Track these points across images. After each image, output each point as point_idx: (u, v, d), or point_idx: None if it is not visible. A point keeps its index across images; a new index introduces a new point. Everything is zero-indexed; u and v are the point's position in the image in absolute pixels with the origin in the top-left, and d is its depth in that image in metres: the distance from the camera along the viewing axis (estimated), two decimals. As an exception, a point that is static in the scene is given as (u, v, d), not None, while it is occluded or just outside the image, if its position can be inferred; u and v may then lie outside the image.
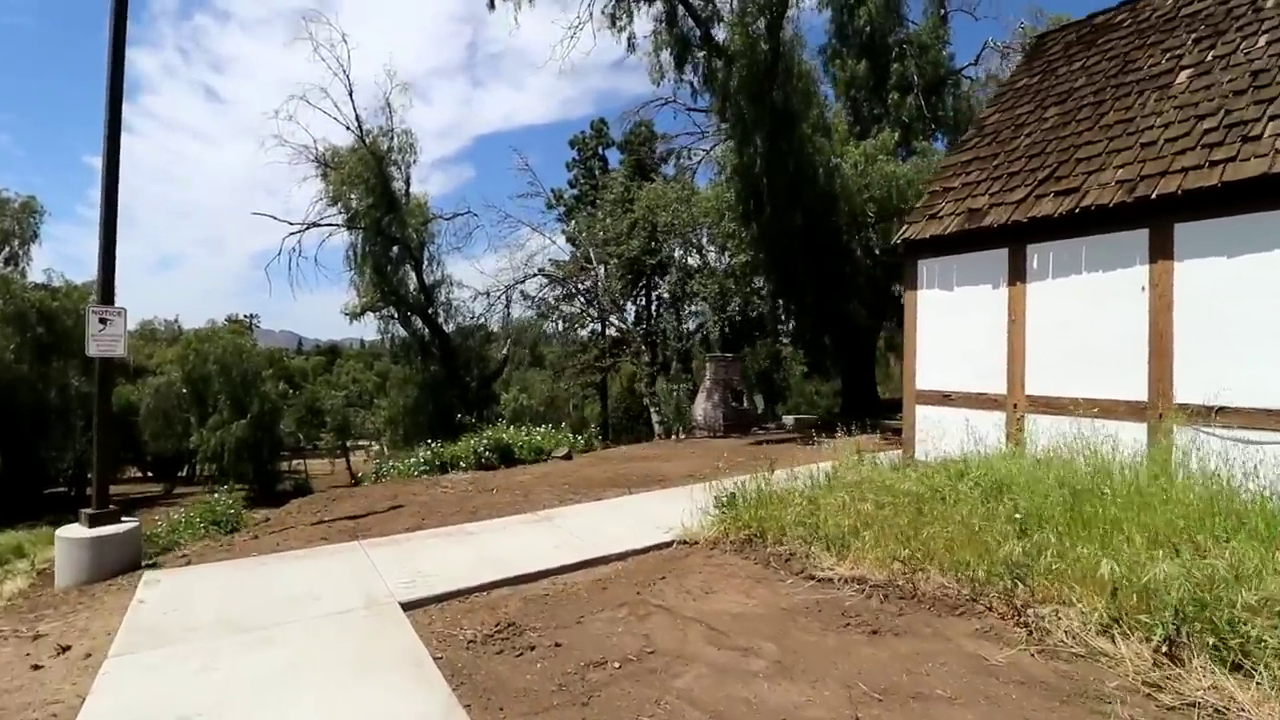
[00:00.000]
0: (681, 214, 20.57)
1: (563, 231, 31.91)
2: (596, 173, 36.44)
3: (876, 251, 17.85)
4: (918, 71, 20.41)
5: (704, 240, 20.88)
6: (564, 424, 17.74)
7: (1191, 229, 5.63)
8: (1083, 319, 6.30)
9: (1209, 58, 6.67)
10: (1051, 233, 6.50)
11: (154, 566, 5.62)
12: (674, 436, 21.14)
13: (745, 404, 18.56)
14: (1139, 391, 5.91)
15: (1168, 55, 7.18)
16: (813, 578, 4.72)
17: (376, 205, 23.52)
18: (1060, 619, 3.61)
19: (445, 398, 24.02)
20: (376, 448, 33.74)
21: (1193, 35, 7.15)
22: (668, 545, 5.80)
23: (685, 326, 21.19)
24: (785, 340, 24.88)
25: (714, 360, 18.47)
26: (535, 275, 24.44)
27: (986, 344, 7.05)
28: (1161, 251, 5.79)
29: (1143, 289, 5.92)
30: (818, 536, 5.21)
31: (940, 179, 8.28)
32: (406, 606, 4.31)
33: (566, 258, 26.55)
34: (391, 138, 24.96)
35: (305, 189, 34.65)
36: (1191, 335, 5.61)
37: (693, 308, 21.45)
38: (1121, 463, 5.32)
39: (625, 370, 26.51)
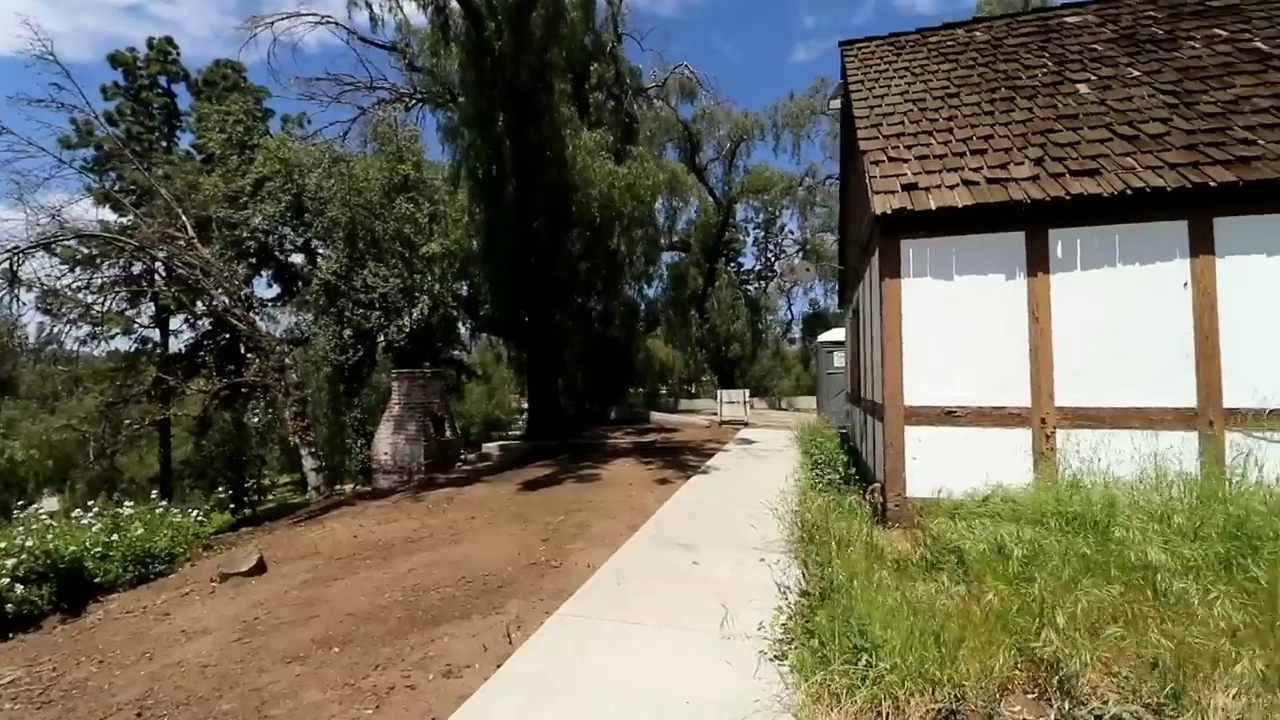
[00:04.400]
0: (360, 183, 14.93)
1: (90, 188, 20.59)
2: (154, 109, 25.30)
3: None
4: (615, 79, 19.69)
5: (388, 227, 15.59)
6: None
7: (1230, 224, 5.22)
8: (1121, 318, 5.43)
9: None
10: (1081, 217, 5.50)
11: None
12: (345, 487, 15.07)
13: (449, 433, 14.28)
14: (1187, 397, 5.25)
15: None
16: None
17: None
18: None
19: None
20: None
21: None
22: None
23: (346, 332, 15.33)
24: (469, 351, 21.02)
25: (407, 378, 13.67)
26: (57, 243, 14.29)
27: (1001, 347, 5.67)
28: (1202, 246, 5.27)
29: (1185, 286, 5.31)
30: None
31: (874, 150, 6.74)
32: None
33: (109, 223, 16.68)
34: None
35: None
36: (1236, 336, 5.17)
37: (355, 309, 15.70)
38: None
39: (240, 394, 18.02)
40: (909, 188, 6.00)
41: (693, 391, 31.89)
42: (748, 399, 21.11)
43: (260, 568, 5.87)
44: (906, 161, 6.42)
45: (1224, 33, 7.45)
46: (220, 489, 15.04)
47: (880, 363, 6.05)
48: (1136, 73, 7.05)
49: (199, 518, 9.24)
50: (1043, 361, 5.54)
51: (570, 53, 14.21)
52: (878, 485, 6.11)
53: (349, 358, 15.22)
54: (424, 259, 16.44)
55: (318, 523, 8.37)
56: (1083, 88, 7.01)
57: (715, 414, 24.10)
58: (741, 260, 35.97)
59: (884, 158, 6.53)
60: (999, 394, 5.63)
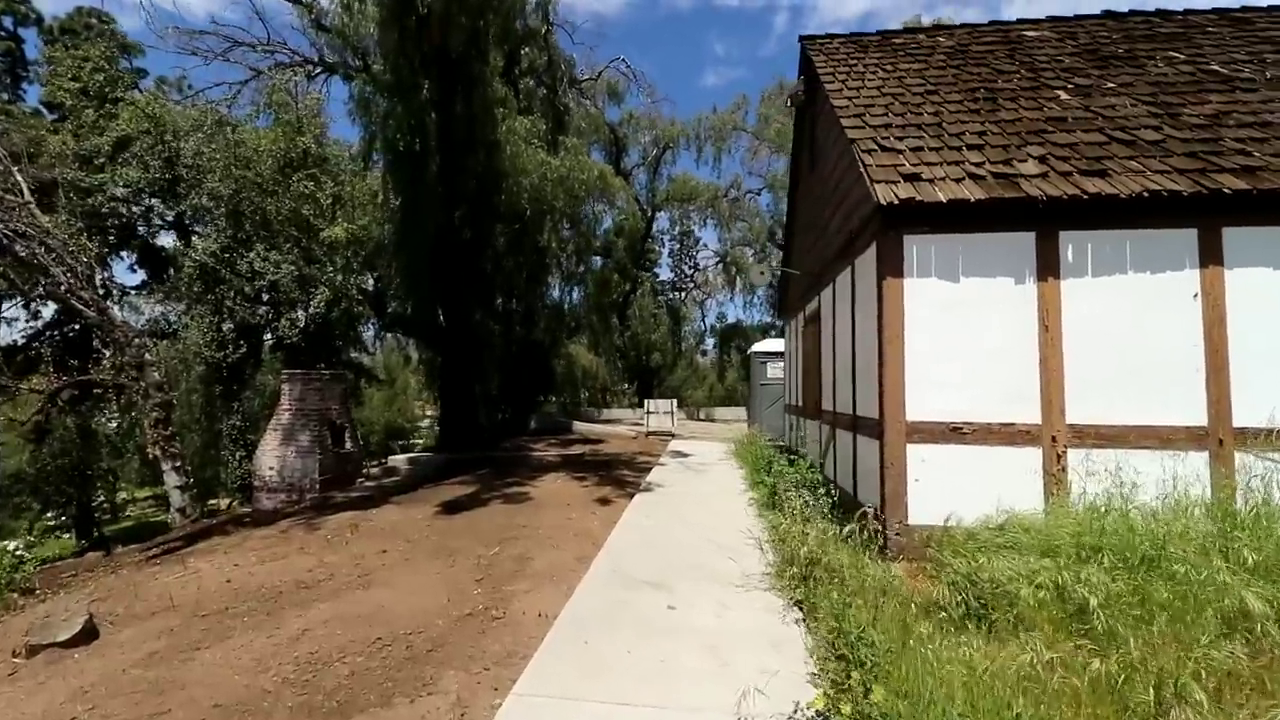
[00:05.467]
0: (249, 152, 12.84)
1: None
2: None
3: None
4: (547, 66, 18.56)
5: (282, 206, 13.57)
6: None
7: (1239, 235, 4.98)
8: (1131, 329, 5.05)
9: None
10: (1093, 219, 5.09)
11: None
12: (220, 502, 12.87)
13: (349, 444, 12.55)
14: (1197, 415, 4.93)
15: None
16: None
17: None
18: None
19: None
20: None
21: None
22: None
23: (225, 325, 13.09)
24: (370, 352, 18.92)
25: (300, 380, 11.84)
26: None
27: (1010, 357, 5.15)
28: (1212, 256, 5.00)
29: (1195, 297, 5.01)
30: None
31: (864, 139, 6.14)
32: None
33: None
34: None
35: None
36: (1247, 350, 4.91)
37: (238, 299, 13.51)
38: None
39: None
40: (911, 178, 5.41)
41: (607, 401, 30.95)
42: (674, 409, 20.44)
43: (88, 633, 4.28)
44: (901, 152, 5.85)
45: (1180, 55, 7.53)
46: (52, 511, 12.36)
47: (876, 372, 5.38)
48: (1111, 84, 6.92)
49: (17, 550, 7.24)
50: (1053, 373, 5.07)
51: (505, 23, 12.93)
52: (869, 510, 5.42)
53: (228, 354, 13.03)
54: (325, 245, 14.50)
55: (179, 560, 6.63)
56: (1062, 94, 6.79)
57: (638, 424, 23.29)
58: (657, 271, 35.59)
59: (876, 146, 5.94)
60: (1007, 408, 5.10)
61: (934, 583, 4.54)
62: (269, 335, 14.85)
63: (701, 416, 29.77)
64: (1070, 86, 6.91)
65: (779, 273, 9.63)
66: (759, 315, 36.85)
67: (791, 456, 10.20)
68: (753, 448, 12.63)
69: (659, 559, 5.93)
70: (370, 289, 17.43)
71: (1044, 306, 5.12)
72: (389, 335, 19.29)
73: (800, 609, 4.53)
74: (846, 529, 5.06)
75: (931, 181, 5.34)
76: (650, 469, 12.07)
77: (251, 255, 13.21)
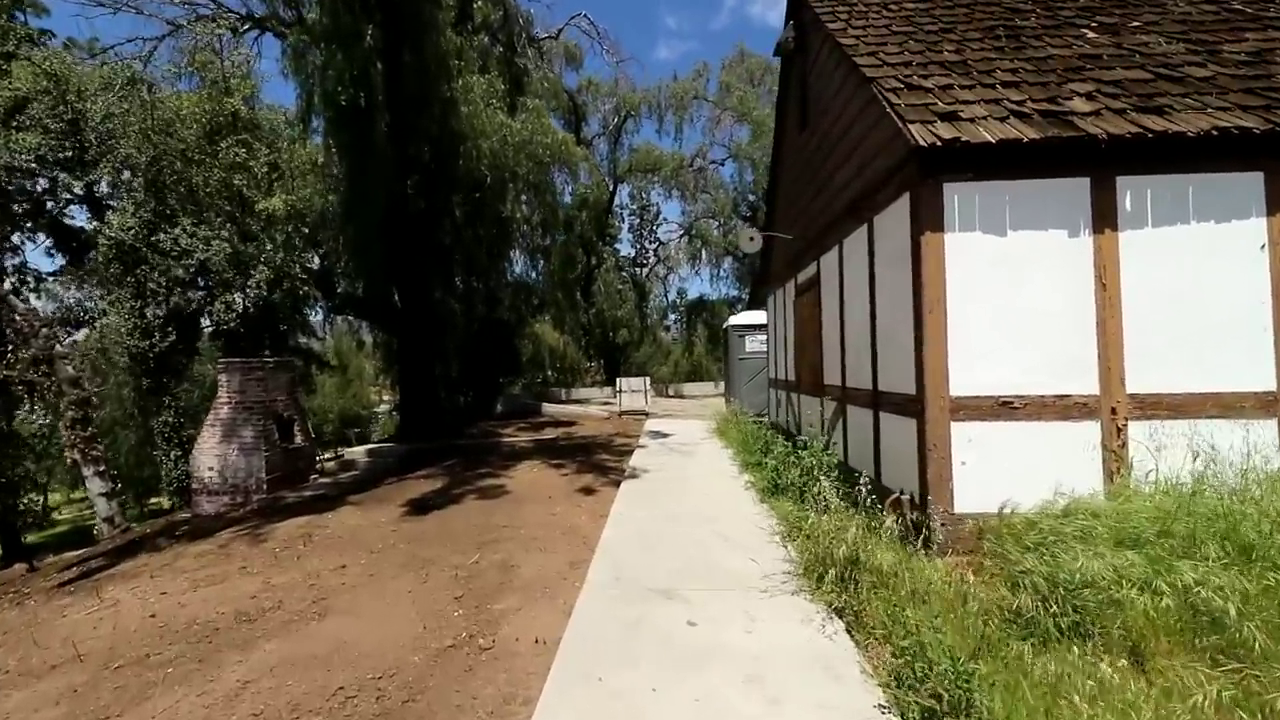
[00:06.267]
0: (169, 114, 11.32)
1: None
2: None
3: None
4: (503, 22, 17.20)
5: (211, 176, 12.10)
6: None
7: (1307, 177, 4.46)
8: (1194, 286, 4.51)
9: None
10: (1151, 162, 4.50)
11: None
12: (161, 501, 11.65)
13: (299, 439, 11.47)
14: (1266, 379, 4.44)
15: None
16: None
17: None
18: None
19: None
20: None
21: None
22: None
23: (151, 310, 11.65)
24: (320, 337, 17.52)
25: (239, 370, 10.68)
26: None
27: (1063, 320, 4.56)
28: (1279, 202, 4.47)
29: (1262, 248, 4.49)
30: None
31: (886, 77, 5.40)
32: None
33: None
34: None
35: None
36: (1316, 309, 4.44)
37: (165, 281, 12.07)
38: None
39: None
40: (949, 117, 4.71)
41: (574, 380, 30.08)
42: (648, 387, 19.75)
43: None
44: (930, 90, 5.15)
45: (1197, -6, 7.01)
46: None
47: (906, 341, 4.73)
48: (1136, 23, 6.34)
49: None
50: (1111, 338, 4.50)
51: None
52: (905, 497, 4.81)
53: (155, 343, 11.64)
54: (263, 219, 13.11)
55: (94, 589, 5.58)
56: (1089, 32, 6.18)
57: (608, 403, 22.53)
58: (619, 246, 34.54)
59: (901, 85, 5.21)
60: (1060, 379, 4.53)
61: (993, 581, 3.95)
62: (207, 322, 13.42)
63: (670, 393, 29.22)
64: (1095, 24, 6.31)
65: (727, 249, 8.92)
66: (726, 289, 36.35)
67: (788, 437, 9.62)
68: (738, 426, 12.03)
69: (664, 560, 5.25)
70: (316, 268, 16.03)
71: (1100, 261, 4.53)
72: (339, 318, 17.90)
73: (840, 617, 3.90)
74: (886, 521, 4.43)
75: (973, 121, 4.66)
76: (631, 452, 11.36)
77: (177, 231, 11.77)
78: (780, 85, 10.29)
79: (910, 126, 4.61)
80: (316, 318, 18.13)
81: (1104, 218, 4.54)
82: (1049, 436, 4.49)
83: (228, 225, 12.57)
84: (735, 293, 35.07)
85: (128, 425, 16.70)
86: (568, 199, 26.89)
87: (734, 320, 16.25)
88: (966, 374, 4.56)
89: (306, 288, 13.59)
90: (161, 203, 12.47)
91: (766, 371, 13.32)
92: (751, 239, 8.81)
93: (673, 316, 40.00)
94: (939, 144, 4.39)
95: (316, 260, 16.13)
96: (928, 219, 4.60)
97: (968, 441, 4.52)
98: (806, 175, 8.65)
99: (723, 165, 33.78)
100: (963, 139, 4.39)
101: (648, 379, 20.16)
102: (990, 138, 4.40)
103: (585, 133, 29.27)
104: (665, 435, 13.48)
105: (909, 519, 4.61)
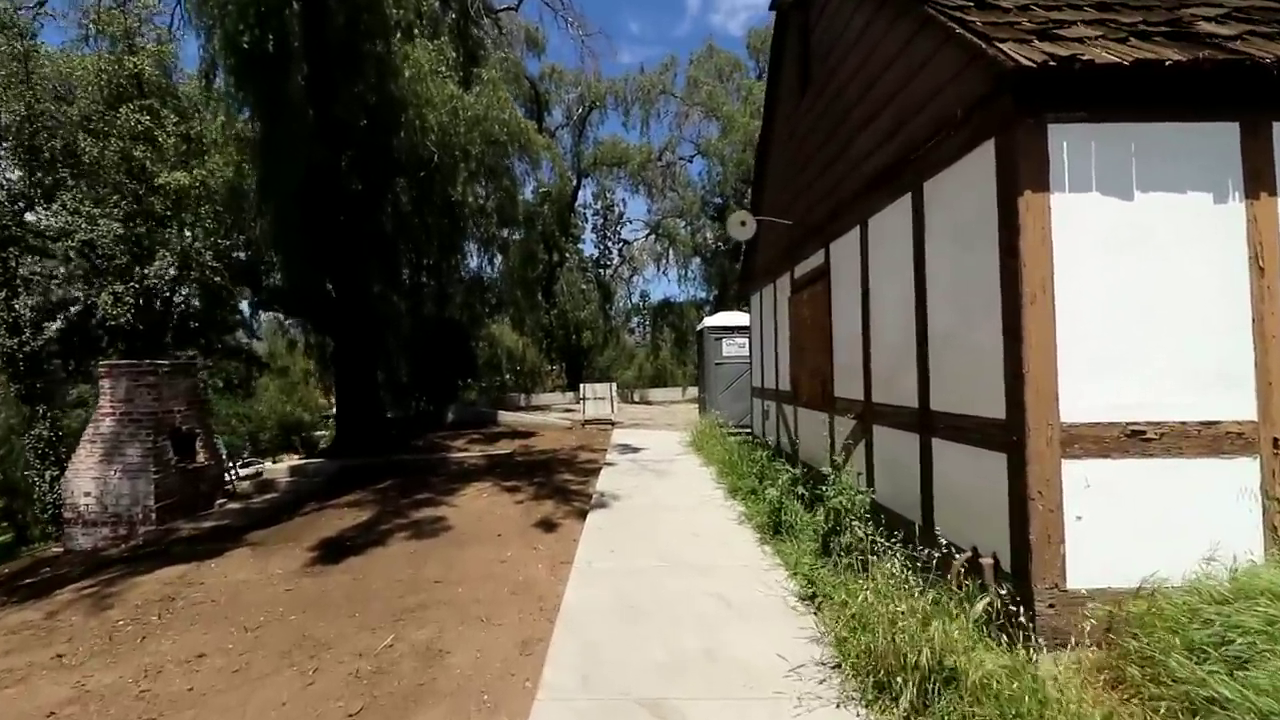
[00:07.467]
0: (48, 70, 9.35)
1: None
2: None
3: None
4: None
5: (106, 146, 10.15)
6: None
7: None
8: (1380, 271, 3.30)
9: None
10: (1324, 100, 3.29)
11: None
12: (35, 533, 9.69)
13: (203, 457, 9.67)
14: None
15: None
16: None
17: None
18: None
19: None
20: None
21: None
22: None
23: (20, 301, 9.62)
24: (259, 337, 15.51)
25: (125, 374, 8.83)
26: None
27: (1208, 318, 3.30)
28: None
29: None
30: None
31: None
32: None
33: None
34: None
35: None
36: None
37: (38, 265, 10.06)
38: None
39: None
40: (1046, 36, 3.42)
41: (533, 385, 28.37)
42: (613, 394, 18.28)
43: None
44: (1007, 10, 3.86)
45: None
46: None
47: (1004, 341, 3.40)
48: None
49: None
50: (1272, 340, 3.26)
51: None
52: (988, 562, 3.48)
53: (23, 341, 9.63)
54: (170, 198, 11.17)
55: None
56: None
57: (570, 410, 20.95)
58: (582, 246, 32.94)
59: (969, 1, 3.91)
60: (1204, 398, 3.26)
61: (1152, 705, 2.64)
62: (100, 314, 11.37)
63: (636, 399, 27.80)
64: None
65: (750, 225, 7.59)
66: (694, 290, 35.12)
67: (783, 457, 8.29)
68: (719, 441, 10.69)
69: (648, 642, 3.85)
70: (244, 259, 14.06)
71: (1256, 237, 3.29)
72: (267, 315, 15.90)
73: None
74: (976, 607, 3.09)
75: (1081, 41, 3.37)
76: (598, 471, 9.89)
77: (55, 206, 9.78)
78: (773, 48, 8.99)
79: (1002, 45, 3.29)
80: (251, 316, 16.11)
81: (1259, 178, 3.30)
82: (1192, 478, 3.22)
83: (123, 203, 10.61)
84: (704, 294, 33.89)
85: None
86: (529, 195, 25.29)
87: (710, 322, 14.93)
88: (1078, 391, 3.26)
89: (219, 278, 11.67)
90: (42, 173, 10.45)
91: (748, 378, 12.03)
92: (743, 224, 7.47)
93: (637, 319, 38.58)
94: (1051, 63, 3.08)
95: (242, 252, 14.15)
96: (1027, 174, 3.28)
97: (1085, 487, 3.21)
98: (807, 151, 7.35)
99: (691, 162, 32.64)
100: (1084, 57, 3.09)
101: (613, 385, 18.70)
102: (1119, 59, 3.12)
103: (548, 123, 27.73)
104: (636, 450, 12.04)
105: (997, 594, 3.28)
